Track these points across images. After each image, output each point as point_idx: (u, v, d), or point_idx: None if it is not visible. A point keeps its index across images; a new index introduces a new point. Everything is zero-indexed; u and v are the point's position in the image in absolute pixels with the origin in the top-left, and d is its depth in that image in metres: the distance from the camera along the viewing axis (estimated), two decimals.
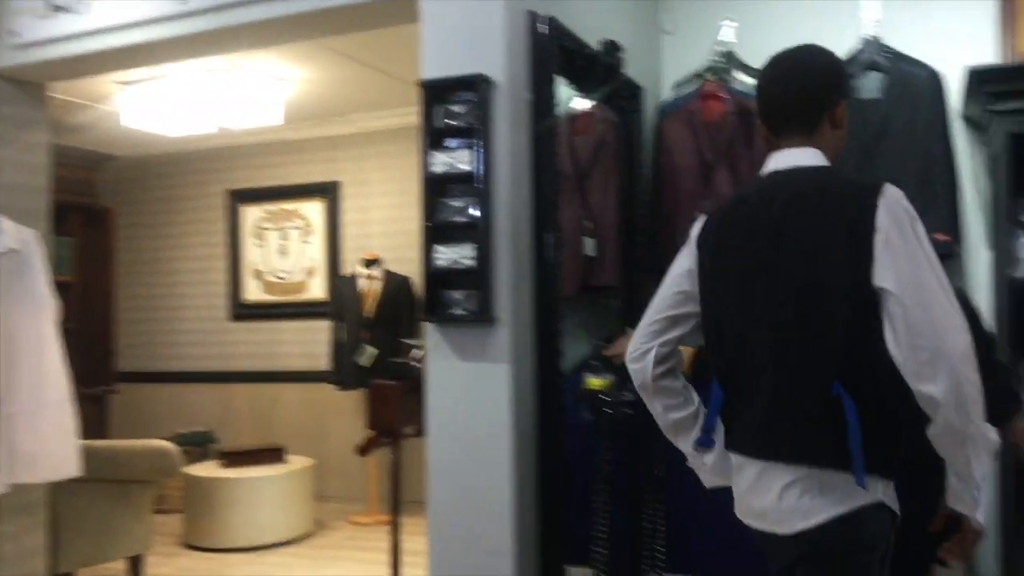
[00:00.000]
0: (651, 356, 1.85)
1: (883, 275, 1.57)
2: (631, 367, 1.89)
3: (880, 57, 3.34)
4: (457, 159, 2.58)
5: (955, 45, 3.33)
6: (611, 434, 2.80)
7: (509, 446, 2.58)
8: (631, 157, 3.54)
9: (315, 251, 6.41)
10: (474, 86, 2.55)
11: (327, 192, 6.34)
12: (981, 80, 2.86)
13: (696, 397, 1.92)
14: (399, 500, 3.21)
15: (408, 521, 3.64)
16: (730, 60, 3.65)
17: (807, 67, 1.81)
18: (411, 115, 2.77)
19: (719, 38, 3.68)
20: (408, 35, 2.83)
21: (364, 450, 3.23)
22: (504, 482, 2.58)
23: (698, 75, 3.67)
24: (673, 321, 1.87)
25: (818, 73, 1.80)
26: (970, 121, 3.34)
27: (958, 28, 3.37)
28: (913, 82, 3.26)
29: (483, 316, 2.56)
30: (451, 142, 2.62)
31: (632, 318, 3.47)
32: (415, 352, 3.15)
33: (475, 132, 2.55)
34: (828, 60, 1.82)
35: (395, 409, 2.99)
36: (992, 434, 1.58)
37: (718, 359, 1.79)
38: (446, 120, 2.62)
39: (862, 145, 3.28)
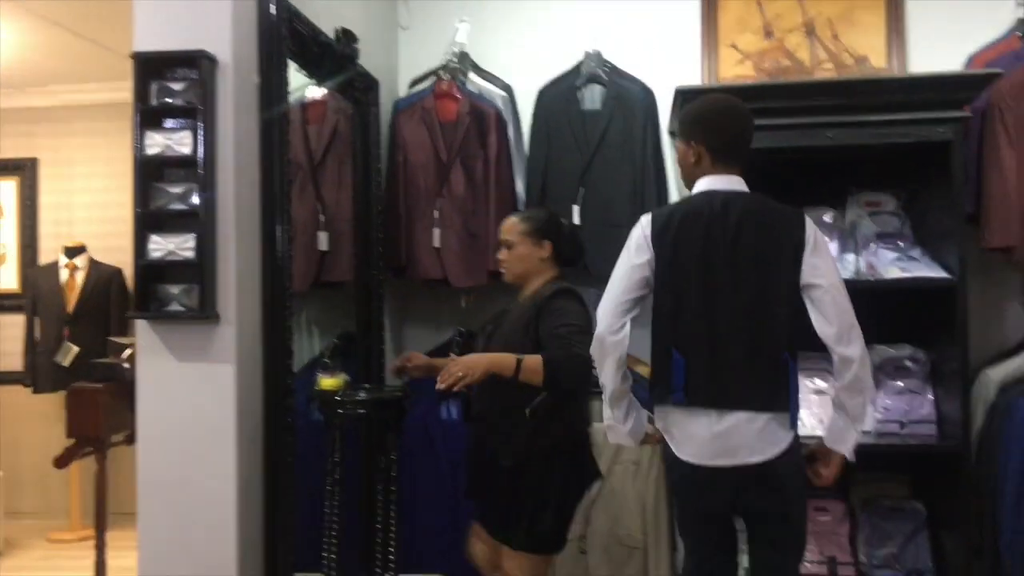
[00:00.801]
0: (626, 329, 2.22)
1: (814, 274, 2.17)
2: (610, 339, 2.20)
3: (601, 71, 3.57)
4: (176, 141, 2.37)
5: (667, 66, 3.65)
6: (343, 435, 2.73)
7: (233, 452, 2.42)
8: (366, 151, 3.49)
9: (7, 236, 5.66)
10: (195, 63, 2.37)
11: (21, 170, 5.62)
12: (685, 99, 3.11)
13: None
14: (105, 513, 2.91)
15: (117, 535, 3.33)
16: (464, 61, 3.72)
17: (749, 117, 2.35)
18: (126, 90, 2.51)
19: (455, 38, 3.74)
20: (123, 3, 2.56)
21: (62, 461, 2.88)
22: (228, 491, 2.42)
23: (433, 73, 3.71)
24: (635, 302, 2.25)
25: (752, 123, 2.35)
26: (676, 136, 3.67)
27: (669, 50, 3.70)
28: (629, 97, 3.52)
29: (204, 313, 2.37)
30: (170, 122, 2.41)
31: (369, 315, 3.45)
32: (128, 352, 2.87)
33: (197, 113, 2.37)
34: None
35: (100, 414, 2.70)
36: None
37: (676, 332, 2.21)
38: (164, 98, 2.40)
39: (584, 153, 3.49)
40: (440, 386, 2.38)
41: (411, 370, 2.86)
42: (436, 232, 3.53)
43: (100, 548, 2.88)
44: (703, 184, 2.28)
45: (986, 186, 3.22)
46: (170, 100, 2.40)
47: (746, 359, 2.17)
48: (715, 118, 2.31)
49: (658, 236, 2.24)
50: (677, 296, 2.21)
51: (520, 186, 3.63)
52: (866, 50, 3.55)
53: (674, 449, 2.23)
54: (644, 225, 2.28)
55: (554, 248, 2.68)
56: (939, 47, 3.50)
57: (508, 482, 2.53)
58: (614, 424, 2.32)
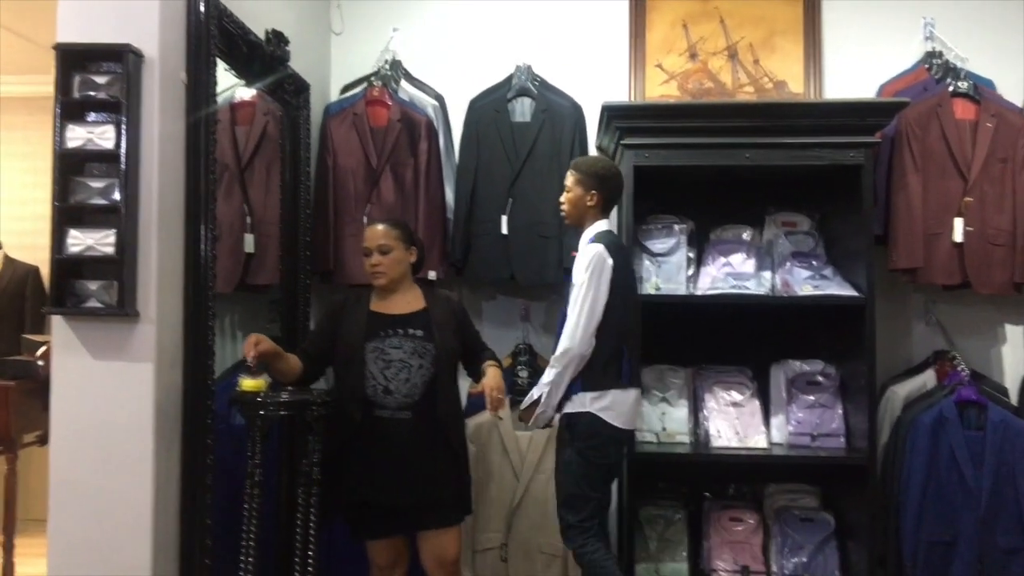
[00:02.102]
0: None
1: None
2: (583, 356, 2.77)
3: (531, 84, 3.64)
4: (99, 135, 2.33)
5: (595, 82, 3.74)
6: (265, 437, 2.69)
7: (150, 453, 2.37)
8: (296, 154, 3.47)
9: None
10: (120, 56, 2.33)
11: None
12: (612, 115, 3.21)
13: None
14: (14, 515, 2.81)
15: (25, 543, 3.22)
16: (396, 68, 3.74)
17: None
18: (46, 84, 2.46)
19: (387, 46, 3.76)
20: None
21: None
22: (144, 495, 2.37)
23: (366, 79, 3.72)
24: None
25: None
26: (603, 151, 3.75)
27: (598, 67, 3.79)
28: (558, 110, 3.59)
29: (123, 310, 2.33)
30: (93, 116, 2.37)
31: (294, 320, 3.42)
32: (42, 349, 2.78)
33: (121, 107, 2.33)
34: None
35: (11, 413, 2.62)
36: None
37: (622, 335, 2.83)
38: (87, 91, 2.36)
39: (513, 164, 3.54)
40: (493, 412, 2.89)
41: (262, 356, 2.71)
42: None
43: (8, 551, 2.78)
44: (604, 224, 2.93)
45: (894, 210, 3.38)
46: (93, 93, 2.36)
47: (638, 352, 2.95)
48: (615, 179, 2.95)
49: (613, 265, 2.80)
50: (623, 308, 2.84)
51: (449, 194, 3.66)
52: (785, 75, 3.70)
53: (611, 420, 2.80)
54: (604, 256, 2.80)
55: (417, 254, 2.99)
56: (853, 76, 3.68)
57: (452, 466, 2.89)
58: (548, 412, 2.85)
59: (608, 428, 2.80)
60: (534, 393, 2.88)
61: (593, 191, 2.91)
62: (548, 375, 2.83)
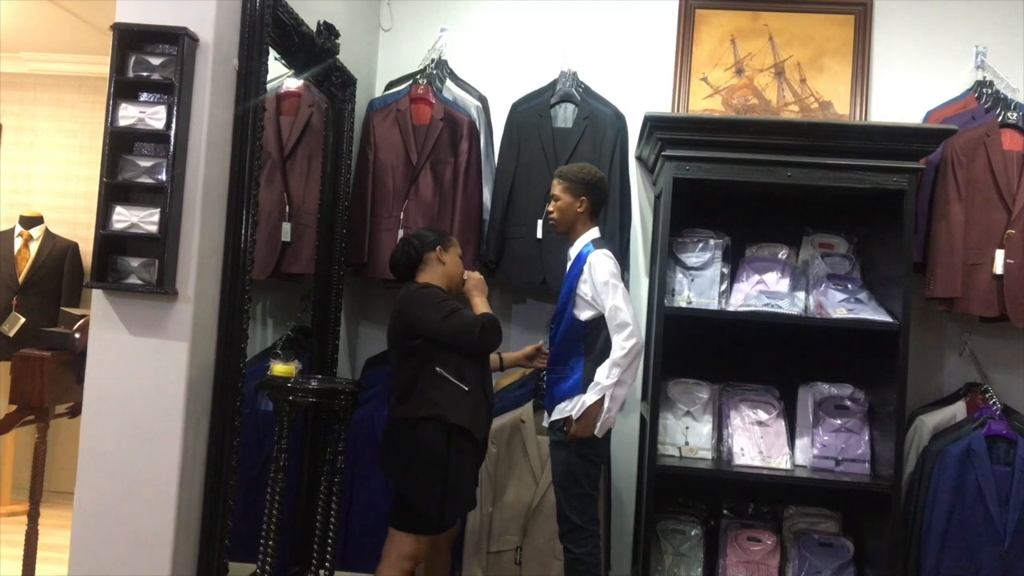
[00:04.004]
0: None
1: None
2: (643, 341, 2.92)
3: (575, 90, 3.64)
4: (150, 115, 2.37)
5: (639, 92, 3.74)
6: (292, 422, 2.72)
7: (179, 430, 2.41)
8: (338, 147, 3.50)
9: None
10: (176, 39, 2.37)
11: None
12: (654, 126, 3.20)
13: None
14: (41, 482, 2.86)
15: (49, 514, 3.26)
16: (442, 68, 3.77)
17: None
18: (98, 64, 2.51)
19: (435, 45, 3.79)
20: None
21: (2, 427, 2.82)
22: (171, 470, 2.40)
23: (411, 77, 3.74)
24: None
25: None
26: (642, 161, 3.75)
27: (643, 77, 3.79)
28: (601, 118, 3.59)
29: (162, 288, 2.37)
30: (146, 96, 2.41)
31: (326, 310, 3.45)
32: (80, 323, 2.83)
33: (173, 89, 2.37)
34: None
35: (45, 382, 2.66)
36: None
37: None
38: (142, 72, 2.40)
39: (553, 169, 3.52)
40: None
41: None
42: (400, 233, 3.55)
43: (33, 519, 2.82)
44: (596, 231, 3.01)
45: (934, 238, 3.35)
46: (147, 74, 2.40)
47: None
48: (602, 185, 3.01)
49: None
50: None
51: (487, 196, 3.67)
52: (831, 96, 3.68)
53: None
54: (616, 263, 2.92)
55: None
56: (900, 100, 3.65)
57: None
58: (612, 416, 2.86)
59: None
60: (587, 399, 2.81)
61: (583, 197, 2.96)
62: (611, 374, 2.78)
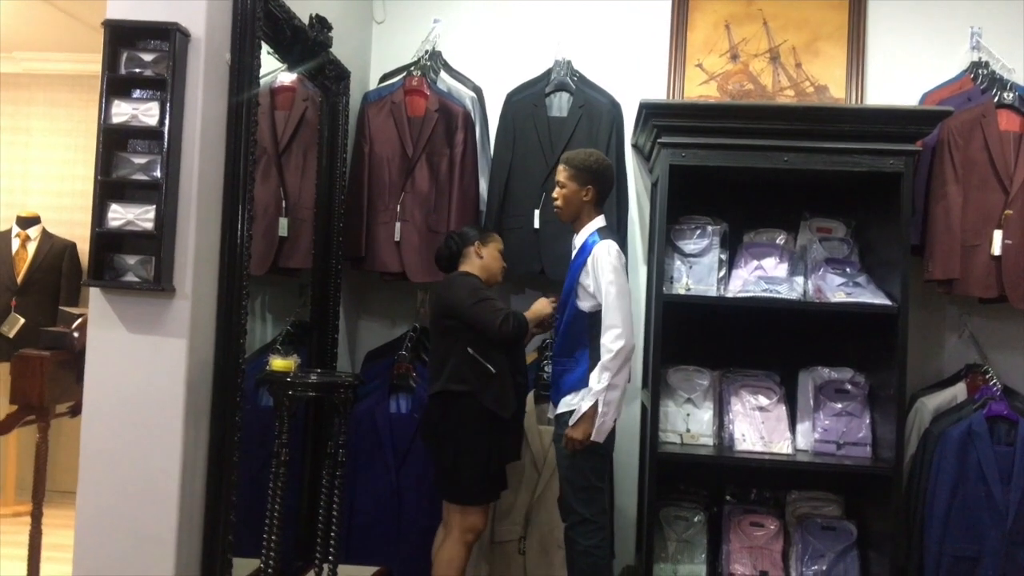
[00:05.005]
0: None
1: None
2: (632, 342, 2.82)
3: (570, 79, 3.63)
4: (143, 112, 2.36)
5: (634, 80, 3.73)
6: (292, 417, 2.72)
7: (179, 427, 2.41)
8: (333, 140, 3.50)
9: None
10: (168, 35, 2.36)
11: None
12: (650, 114, 3.19)
13: None
14: (44, 483, 2.86)
15: (54, 514, 3.26)
16: (436, 59, 3.76)
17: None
18: (92, 63, 2.50)
19: (428, 37, 3.78)
20: None
21: (3, 428, 2.83)
22: (173, 467, 2.40)
23: (405, 69, 3.73)
24: None
25: None
26: (638, 149, 3.74)
27: (638, 65, 3.78)
28: (596, 107, 3.58)
29: (159, 285, 2.36)
30: (138, 93, 2.40)
31: (325, 304, 3.45)
32: (78, 321, 2.83)
33: (166, 85, 2.36)
34: None
35: (45, 382, 2.66)
36: None
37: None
38: (134, 68, 2.39)
39: (548, 158, 3.54)
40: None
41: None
42: (398, 226, 3.55)
43: (36, 519, 2.83)
44: (602, 220, 2.99)
45: (932, 220, 3.35)
46: (139, 70, 2.39)
47: None
48: (608, 172, 3.00)
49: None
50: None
51: (483, 186, 3.67)
52: (827, 80, 3.67)
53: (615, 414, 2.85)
54: (621, 255, 2.88)
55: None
56: (896, 83, 3.64)
57: None
58: (609, 421, 2.83)
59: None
60: (582, 405, 2.81)
61: (588, 186, 2.94)
62: (602, 379, 2.77)
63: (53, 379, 2.73)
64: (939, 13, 3.66)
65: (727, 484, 3.56)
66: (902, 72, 3.65)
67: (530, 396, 3.46)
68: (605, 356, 2.77)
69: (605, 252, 2.85)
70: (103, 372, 2.43)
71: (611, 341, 2.77)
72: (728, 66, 3.73)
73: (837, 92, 3.66)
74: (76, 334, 2.81)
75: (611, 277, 2.80)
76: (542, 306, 3.14)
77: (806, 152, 3.09)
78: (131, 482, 2.41)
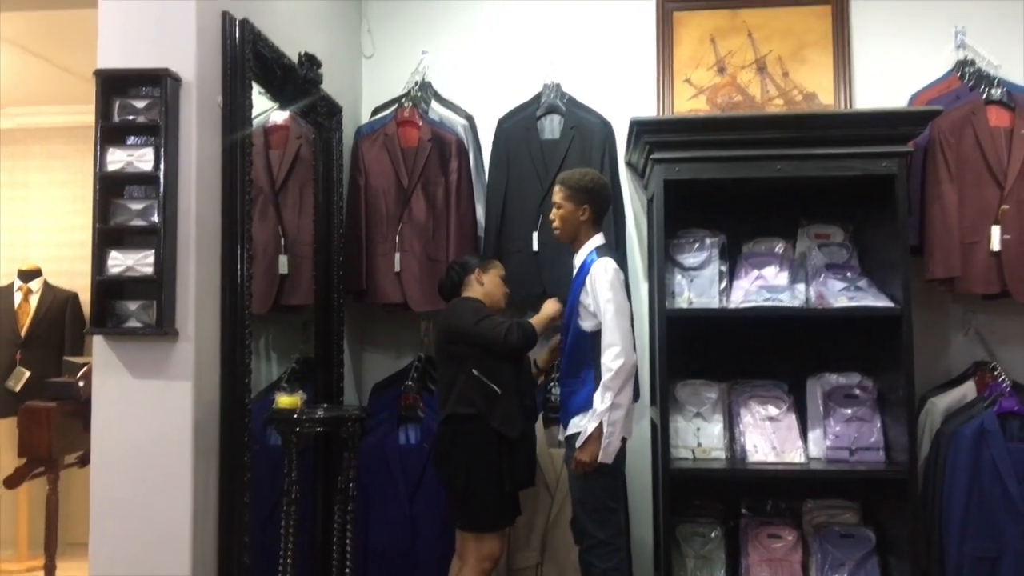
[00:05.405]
0: None
1: None
2: (633, 360, 2.82)
3: (560, 102, 3.66)
4: (138, 158, 2.39)
5: (624, 98, 3.75)
6: (301, 453, 2.72)
7: (189, 470, 2.41)
8: (328, 176, 3.52)
9: None
10: (158, 81, 2.39)
11: None
12: (641, 130, 3.20)
13: None
14: (55, 535, 2.85)
15: (67, 567, 3.26)
16: (426, 90, 3.79)
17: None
18: (86, 113, 2.52)
19: (417, 68, 3.81)
20: (86, 23, 2.58)
21: (13, 481, 2.82)
22: (184, 511, 2.40)
23: (396, 101, 3.76)
24: None
25: None
26: (632, 167, 3.76)
27: (627, 84, 3.80)
28: (587, 127, 3.60)
29: (162, 329, 2.37)
30: (132, 139, 2.43)
31: (329, 340, 3.45)
32: (83, 370, 2.84)
33: (159, 130, 2.38)
34: None
35: (52, 433, 2.66)
36: None
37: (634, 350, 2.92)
38: (127, 115, 2.42)
39: (543, 181, 3.55)
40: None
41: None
42: (397, 256, 3.56)
43: (49, 572, 2.81)
44: (600, 238, 3.00)
45: (929, 219, 3.35)
46: (132, 117, 2.42)
47: None
48: (604, 191, 3.01)
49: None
50: (632, 323, 2.86)
51: (480, 212, 3.68)
52: (815, 87, 3.69)
53: (624, 432, 2.84)
54: (619, 272, 2.88)
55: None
56: (884, 86, 3.66)
57: None
58: (615, 441, 2.81)
59: (622, 439, 2.85)
60: (588, 426, 2.80)
61: (585, 205, 2.95)
62: (605, 399, 2.76)
63: (60, 430, 2.74)
64: (922, 14, 3.69)
65: (742, 497, 3.53)
66: (889, 75, 3.66)
67: (538, 419, 3.45)
68: (606, 375, 2.77)
69: (602, 270, 2.85)
70: (110, 419, 2.43)
71: (611, 360, 2.77)
72: (716, 79, 3.75)
73: (826, 98, 3.68)
74: (81, 383, 2.81)
75: (609, 295, 2.80)
76: (549, 307, 3.15)
77: (799, 159, 3.10)
78: (143, 528, 2.41)
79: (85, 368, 2.82)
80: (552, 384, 3.56)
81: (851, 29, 3.71)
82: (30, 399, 3.03)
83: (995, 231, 3.30)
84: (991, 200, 3.32)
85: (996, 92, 3.40)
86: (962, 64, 3.56)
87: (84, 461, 3.02)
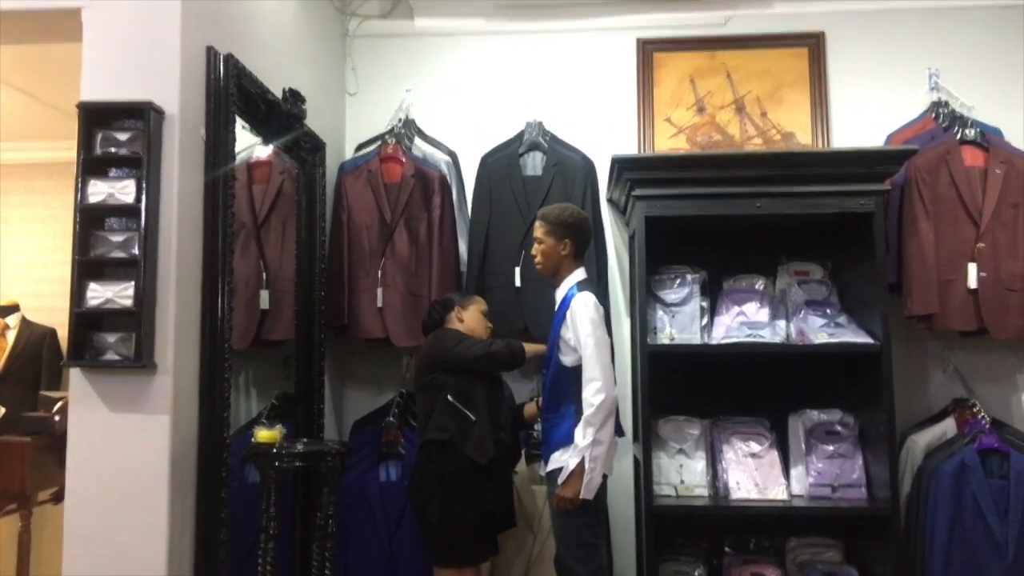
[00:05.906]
0: None
1: None
2: (613, 394, 2.80)
3: (542, 139, 3.70)
4: (120, 190, 2.38)
5: (605, 137, 3.80)
6: (280, 489, 2.68)
7: (166, 508, 2.36)
8: (311, 211, 3.52)
9: None
10: (141, 113, 2.39)
11: None
12: (622, 168, 3.24)
13: None
14: (27, 573, 2.78)
15: None
16: (409, 127, 3.82)
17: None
18: (67, 149, 2.52)
19: (401, 105, 3.85)
20: (70, 58, 2.59)
21: None
22: (159, 549, 2.35)
23: (380, 138, 3.79)
24: None
25: None
26: (614, 203, 3.79)
27: (608, 122, 3.85)
28: (569, 164, 3.64)
29: (140, 362, 2.34)
30: (114, 172, 2.42)
31: (310, 375, 3.42)
32: (59, 405, 2.79)
33: (141, 163, 2.38)
34: None
35: (25, 468, 2.61)
36: None
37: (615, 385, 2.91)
38: (109, 148, 2.42)
39: (526, 217, 3.57)
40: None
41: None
42: (379, 292, 3.55)
43: None
44: (582, 272, 2.99)
45: (906, 257, 3.39)
46: (115, 149, 2.41)
47: None
48: (584, 225, 3.02)
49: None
50: (612, 357, 2.86)
51: (463, 248, 3.69)
52: (792, 126, 3.75)
53: (605, 468, 2.81)
54: (599, 307, 2.87)
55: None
56: (860, 126, 3.73)
57: None
58: (596, 477, 2.77)
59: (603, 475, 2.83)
60: (570, 462, 2.77)
61: (566, 239, 2.96)
62: (587, 435, 2.74)
63: (34, 465, 2.69)
64: (896, 56, 3.77)
65: (725, 534, 3.51)
66: (865, 115, 3.74)
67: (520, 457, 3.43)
68: (587, 411, 2.75)
69: (582, 305, 2.85)
70: (85, 453, 2.39)
71: (592, 395, 2.76)
72: (696, 119, 3.81)
73: (804, 138, 3.74)
74: (57, 418, 2.77)
75: (588, 329, 2.80)
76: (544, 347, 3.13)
77: (778, 197, 3.14)
78: (117, 567, 2.35)
79: (61, 403, 2.78)
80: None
81: (828, 70, 3.79)
82: (4, 435, 2.98)
83: (971, 269, 3.34)
84: (967, 238, 3.37)
85: (970, 132, 3.47)
86: (936, 105, 3.63)
87: (58, 498, 2.96)
